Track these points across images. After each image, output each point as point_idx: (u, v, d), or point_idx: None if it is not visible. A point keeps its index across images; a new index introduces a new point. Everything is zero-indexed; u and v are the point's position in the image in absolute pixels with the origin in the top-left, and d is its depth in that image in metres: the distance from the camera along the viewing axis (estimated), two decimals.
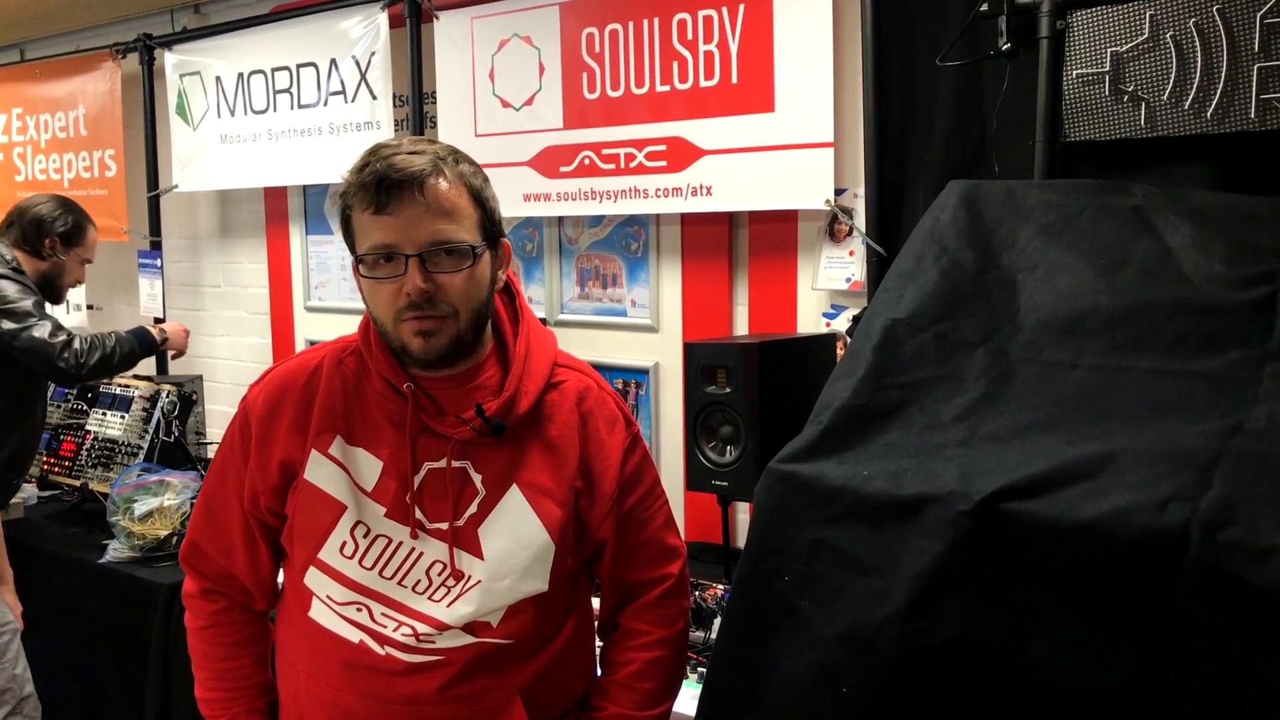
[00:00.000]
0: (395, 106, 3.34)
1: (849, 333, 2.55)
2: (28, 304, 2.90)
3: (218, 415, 3.89)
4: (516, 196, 3.04)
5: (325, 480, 1.48)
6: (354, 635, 1.48)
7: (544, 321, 2.74)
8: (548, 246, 3.19)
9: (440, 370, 1.48)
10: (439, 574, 1.47)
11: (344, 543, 1.47)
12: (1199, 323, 1.44)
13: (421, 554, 1.47)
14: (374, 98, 3.34)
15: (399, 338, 1.43)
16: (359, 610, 1.48)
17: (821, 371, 1.81)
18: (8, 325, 2.86)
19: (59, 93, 4.36)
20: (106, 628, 2.95)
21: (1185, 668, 1.14)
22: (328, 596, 1.49)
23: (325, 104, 3.49)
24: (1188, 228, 1.59)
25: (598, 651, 1.67)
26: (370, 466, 1.48)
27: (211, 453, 3.18)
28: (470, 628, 1.47)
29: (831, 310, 2.67)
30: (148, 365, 3.55)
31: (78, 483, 3.38)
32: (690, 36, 2.71)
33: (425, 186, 1.38)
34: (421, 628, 1.46)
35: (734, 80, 2.64)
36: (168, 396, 3.39)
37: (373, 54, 3.32)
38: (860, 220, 2.53)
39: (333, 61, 3.44)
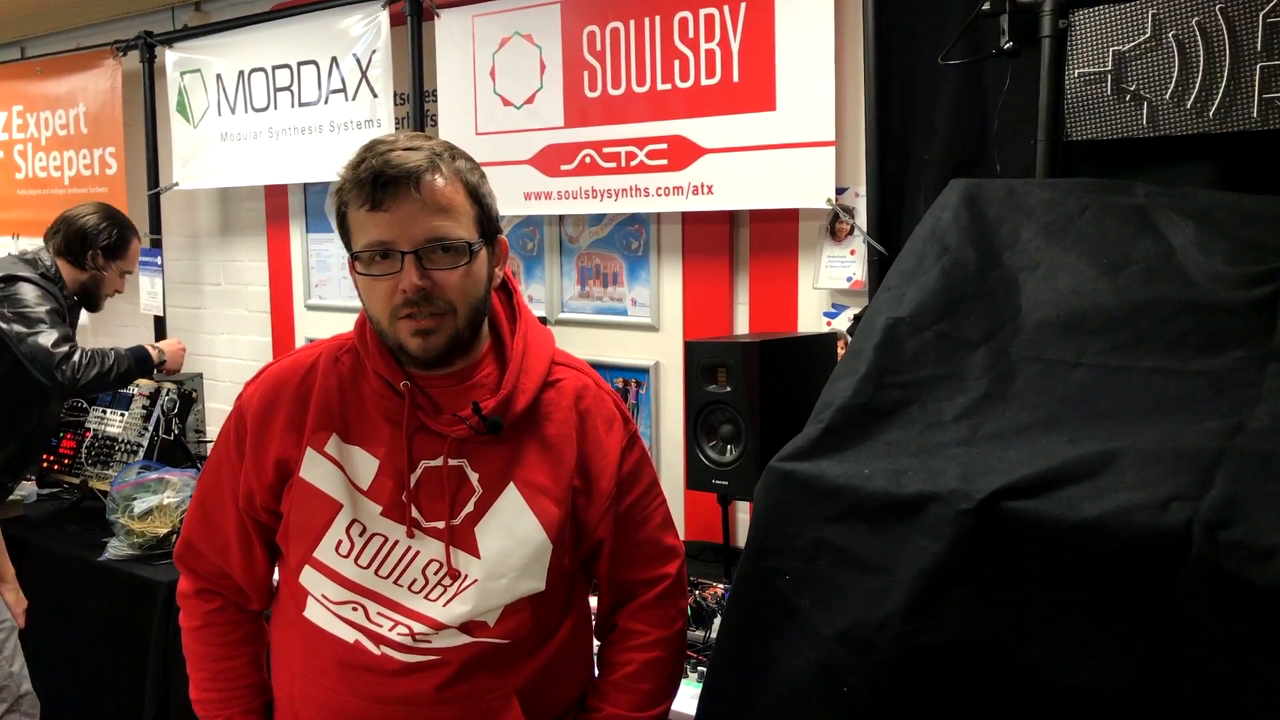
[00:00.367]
0: (396, 105, 3.34)
1: (850, 332, 2.54)
2: (42, 310, 2.92)
3: (218, 413, 3.88)
4: (517, 195, 3.04)
5: (321, 479, 1.47)
6: (350, 635, 1.47)
7: (544, 320, 2.74)
8: (548, 245, 3.18)
9: (437, 368, 1.47)
10: (435, 573, 1.46)
11: (340, 541, 1.47)
12: (1201, 322, 1.44)
13: (418, 553, 1.46)
14: (375, 96, 3.34)
15: (395, 336, 1.42)
16: (355, 609, 1.47)
17: (822, 371, 1.81)
18: (18, 329, 2.88)
19: (59, 90, 4.36)
20: (106, 625, 2.95)
21: (1186, 667, 1.14)
22: (323, 596, 1.48)
23: (326, 102, 3.48)
24: (1190, 227, 1.58)
25: (595, 652, 1.66)
26: (366, 465, 1.47)
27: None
28: (467, 627, 1.46)
29: (832, 309, 2.66)
30: None
31: (77, 480, 3.38)
32: (691, 35, 2.70)
33: (421, 183, 1.37)
34: (418, 627, 1.45)
35: (735, 79, 2.64)
36: (168, 394, 3.39)
37: (374, 52, 3.31)
38: (861, 219, 2.53)
39: (333, 59, 3.44)
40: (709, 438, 2.36)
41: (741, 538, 2.55)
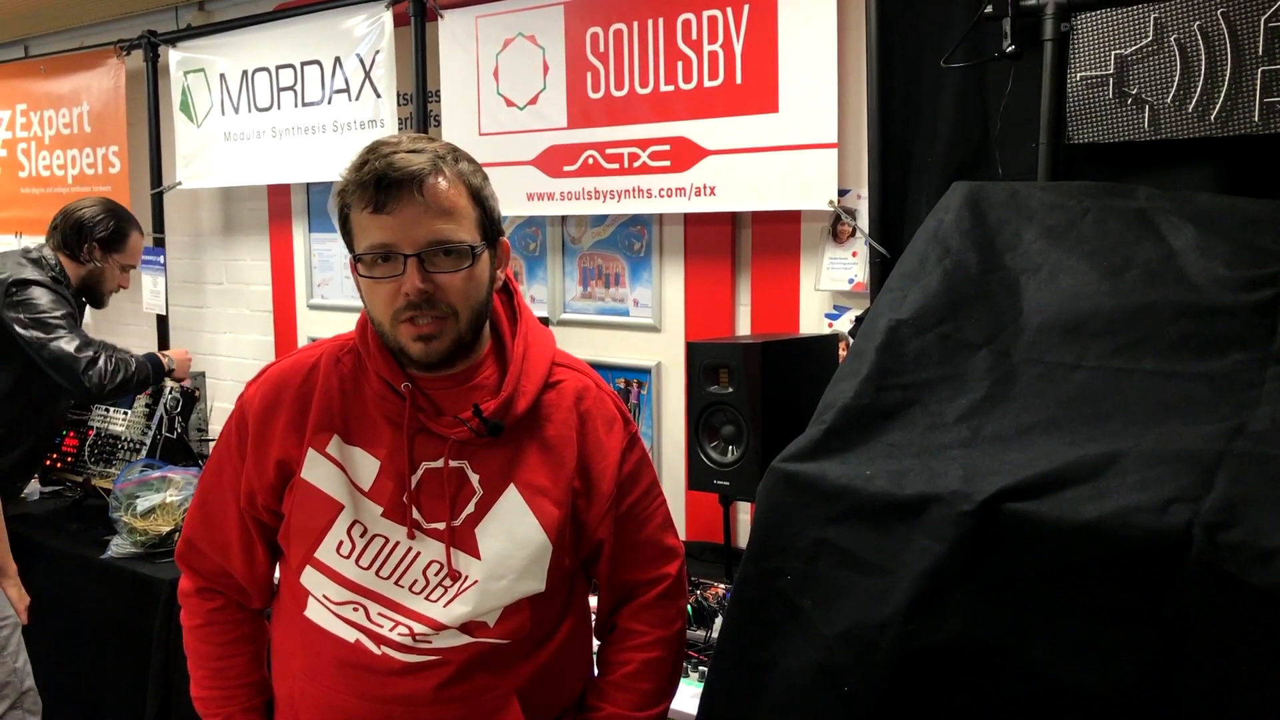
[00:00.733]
0: (399, 105, 3.34)
1: (852, 333, 2.55)
2: (58, 315, 2.91)
3: (220, 412, 3.89)
4: (520, 196, 3.04)
5: (322, 479, 1.47)
6: (350, 635, 1.48)
7: (546, 321, 2.74)
8: (551, 246, 3.19)
9: (438, 370, 1.47)
10: (436, 574, 1.46)
11: (341, 542, 1.47)
12: (1202, 325, 1.44)
13: (418, 554, 1.46)
14: (378, 96, 3.34)
15: (397, 339, 1.42)
16: (355, 610, 1.47)
17: (824, 372, 1.81)
18: (36, 335, 2.86)
19: (63, 89, 4.36)
20: (108, 623, 2.95)
21: (1186, 668, 1.14)
22: (324, 596, 1.49)
23: (329, 102, 3.49)
24: (1191, 230, 1.58)
25: (595, 651, 1.66)
26: (367, 466, 1.48)
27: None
28: (467, 628, 1.46)
29: (834, 311, 2.67)
30: None
31: (80, 478, 3.38)
32: (694, 36, 2.70)
33: (424, 185, 1.37)
34: (418, 627, 1.45)
35: (738, 81, 2.64)
36: (170, 393, 3.40)
37: (377, 52, 3.32)
38: (863, 221, 2.53)
39: (337, 59, 3.44)
40: (710, 438, 2.36)
41: (743, 538, 2.55)
